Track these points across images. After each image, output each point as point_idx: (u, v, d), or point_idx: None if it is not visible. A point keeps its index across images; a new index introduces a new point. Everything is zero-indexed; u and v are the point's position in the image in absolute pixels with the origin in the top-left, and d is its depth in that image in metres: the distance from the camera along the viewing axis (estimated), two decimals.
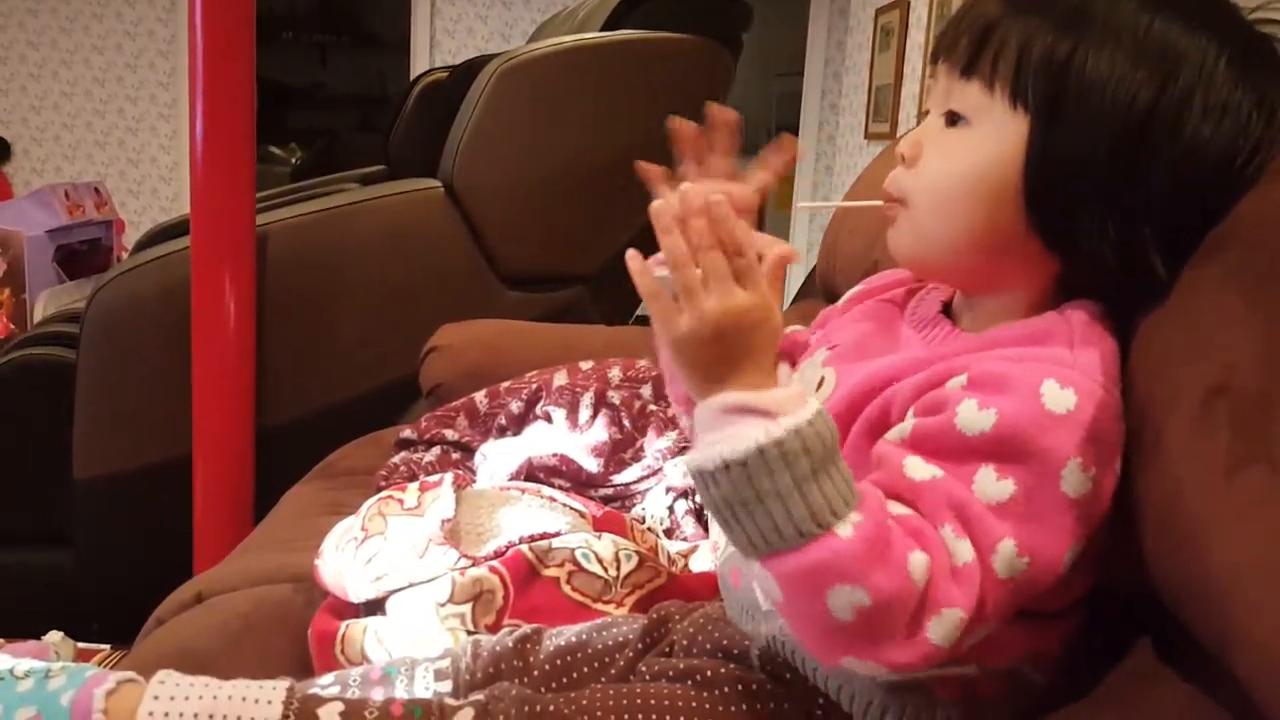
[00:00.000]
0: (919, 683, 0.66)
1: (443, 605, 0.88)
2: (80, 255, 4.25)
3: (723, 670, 0.72)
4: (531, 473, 1.25)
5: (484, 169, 1.97)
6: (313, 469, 1.49)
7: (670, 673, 0.73)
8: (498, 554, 0.93)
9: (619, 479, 1.26)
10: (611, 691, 0.71)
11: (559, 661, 0.78)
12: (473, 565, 0.92)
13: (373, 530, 0.99)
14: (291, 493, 1.44)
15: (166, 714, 0.67)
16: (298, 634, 0.94)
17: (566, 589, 0.90)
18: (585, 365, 1.43)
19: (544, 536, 0.95)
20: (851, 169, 4.62)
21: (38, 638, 1.61)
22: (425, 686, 0.77)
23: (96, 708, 0.67)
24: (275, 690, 0.69)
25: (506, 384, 1.44)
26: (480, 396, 1.44)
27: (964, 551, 0.58)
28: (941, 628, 0.57)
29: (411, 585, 0.91)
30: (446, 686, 0.77)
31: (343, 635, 0.88)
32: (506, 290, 1.99)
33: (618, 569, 0.92)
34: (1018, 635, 0.64)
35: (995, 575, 0.58)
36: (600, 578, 0.91)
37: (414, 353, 1.62)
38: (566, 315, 2.00)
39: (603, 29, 2.12)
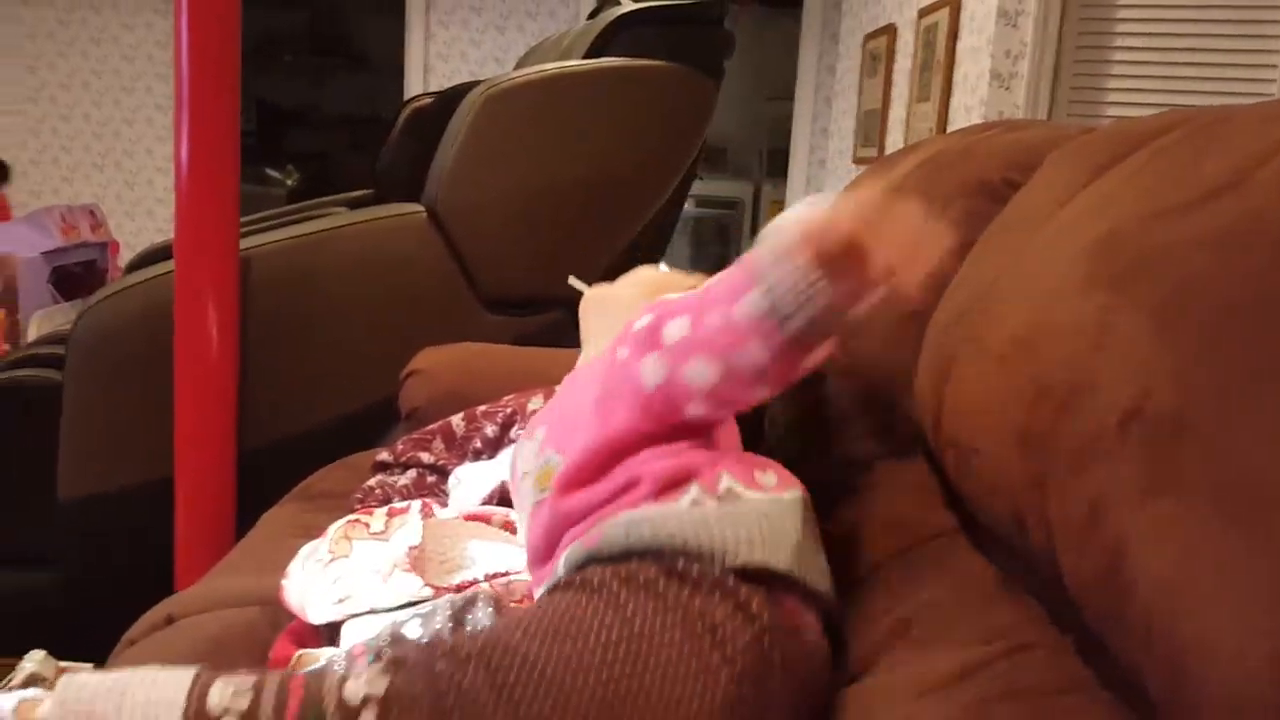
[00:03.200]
0: None
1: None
2: (76, 277, 4.27)
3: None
4: (505, 496, 1.27)
5: (467, 193, 1.99)
6: (290, 491, 1.51)
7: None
8: (461, 588, 0.95)
9: None
10: (518, 623, 0.70)
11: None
12: (435, 595, 0.93)
13: (338, 553, 1.01)
14: (269, 515, 1.45)
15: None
16: (263, 658, 0.96)
17: None
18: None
19: (507, 574, 0.96)
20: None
21: (20, 656, 1.61)
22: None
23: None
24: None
25: (483, 408, 1.45)
26: (457, 420, 1.45)
27: None
28: None
29: (373, 611, 0.92)
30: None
31: (294, 663, 0.90)
32: (487, 313, 2.00)
33: None
34: None
35: None
36: None
37: (394, 376, 1.64)
38: (546, 338, 2.02)
39: (586, 56, 2.15)
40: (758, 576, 0.72)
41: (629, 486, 0.79)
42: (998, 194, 0.96)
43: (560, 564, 0.79)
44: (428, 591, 0.94)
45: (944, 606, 0.76)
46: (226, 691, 0.65)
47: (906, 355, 1.00)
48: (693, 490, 0.77)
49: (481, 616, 0.82)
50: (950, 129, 3.21)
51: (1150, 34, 2.87)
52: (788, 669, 0.70)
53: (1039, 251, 0.77)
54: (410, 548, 1.01)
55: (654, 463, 0.80)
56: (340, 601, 0.94)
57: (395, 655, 0.68)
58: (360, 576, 0.96)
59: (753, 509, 0.76)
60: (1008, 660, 0.68)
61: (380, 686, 0.64)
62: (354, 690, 0.64)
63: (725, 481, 0.78)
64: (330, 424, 1.89)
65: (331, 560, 0.99)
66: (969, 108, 3.11)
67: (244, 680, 0.66)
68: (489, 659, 0.66)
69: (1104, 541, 0.58)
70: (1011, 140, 1.04)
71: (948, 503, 0.88)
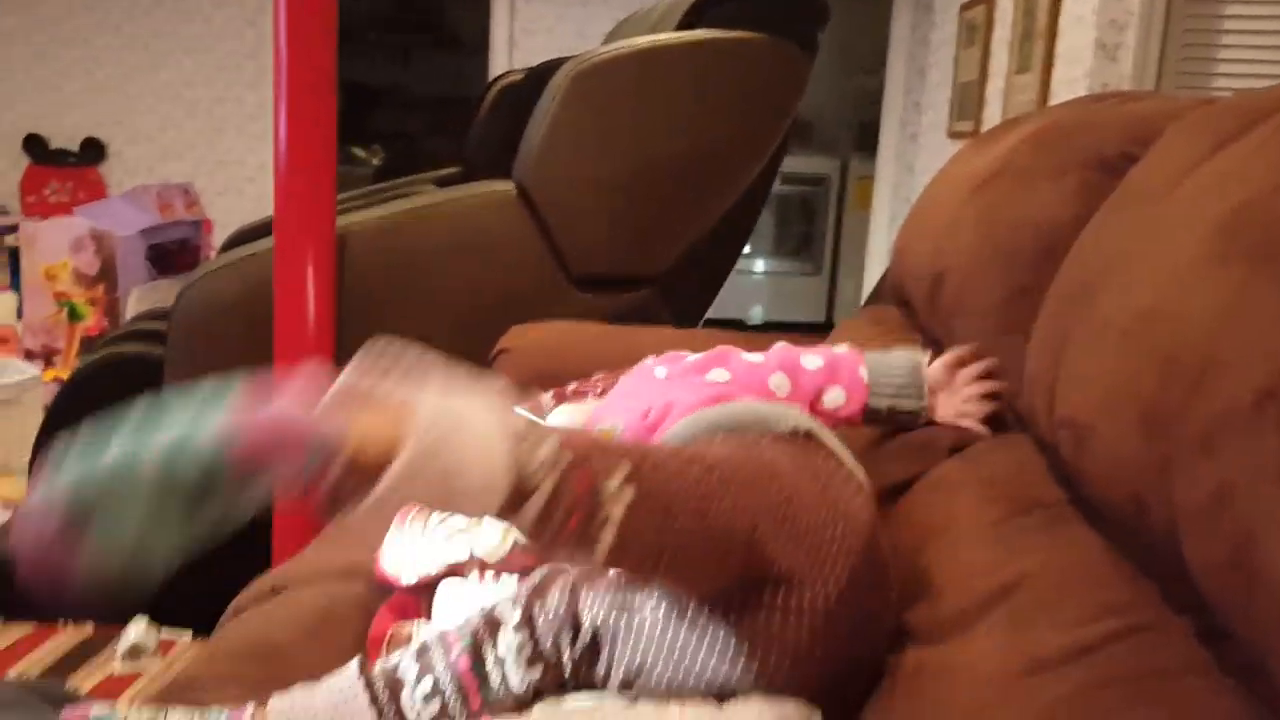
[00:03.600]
0: None
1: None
2: (170, 254, 4.37)
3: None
4: None
5: (557, 171, 1.99)
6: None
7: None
8: None
9: None
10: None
11: None
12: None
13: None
14: None
15: None
16: (363, 632, 0.98)
17: None
18: None
19: None
20: (934, 168, 4.56)
21: (124, 623, 1.66)
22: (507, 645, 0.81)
23: None
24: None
25: (573, 385, 1.46)
26: (546, 397, 1.46)
27: None
28: None
29: (473, 558, 0.94)
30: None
31: (389, 638, 0.92)
32: (576, 291, 2.01)
33: None
34: None
35: None
36: None
37: (484, 353, 1.65)
38: (636, 316, 2.02)
39: (677, 29, 2.13)
40: None
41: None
42: (1114, 167, 0.93)
43: (681, 426, 0.90)
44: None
45: (1052, 577, 0.75)
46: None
47: (1013, 333, 0.98)
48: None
49: (559, 591, 0.82)
50: (1052, 102, 3.12)
51: (1263, 1, 2.76)
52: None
53: (1163, 225, 0.74)
54: None
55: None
56: (443, 546, 0.96)
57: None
58: (466, 523, 0.98)
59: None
60: (1122, 642, 0.66)
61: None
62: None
63: None
64: None
65: (441, 521, 1.02)
66: (1072, 80, 3.02)
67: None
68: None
69: (1232, 526, 0.56)
70: (1128, 112, 1.00)
71: (1057, 480, 0.86)
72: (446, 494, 0.64)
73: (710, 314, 2.71)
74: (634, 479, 0.68)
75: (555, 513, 0.65)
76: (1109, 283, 0.75)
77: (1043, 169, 1.02)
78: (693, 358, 1.08)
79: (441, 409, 0.65)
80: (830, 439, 0.91)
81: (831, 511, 0.78)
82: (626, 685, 0.79)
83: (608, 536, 0.67)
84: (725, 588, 0.75)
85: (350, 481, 0.62)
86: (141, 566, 0.59)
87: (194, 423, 0.61)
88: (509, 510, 0.65)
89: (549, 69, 2.16)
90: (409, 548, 1.01)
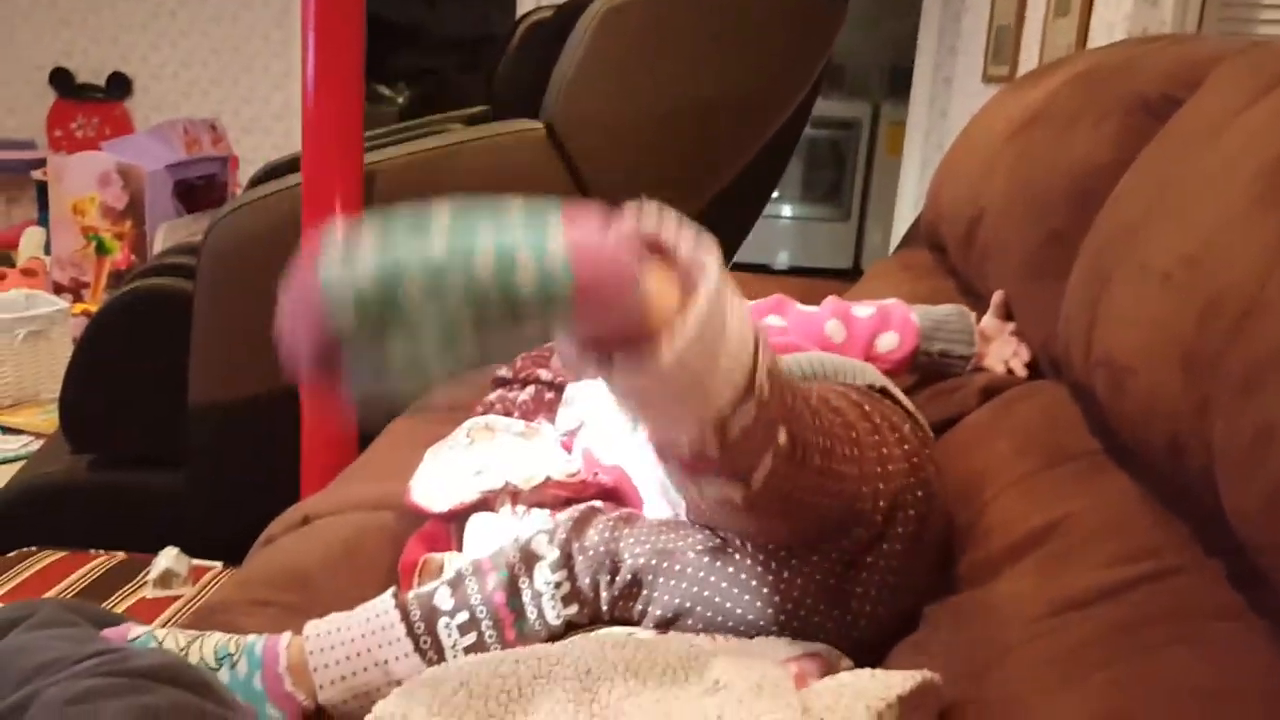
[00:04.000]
0: None
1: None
2: (197, 190, 4.38)
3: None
4: None
5: (586, 109, 1.98)
6: (413, 403, 1.53)
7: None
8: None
9: None
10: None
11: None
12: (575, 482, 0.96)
13: (478, 438, 1.04)
14: (392, 426, 1.48)
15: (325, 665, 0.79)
16: (392, 561, 0.99)
17: None
18: None
19: None
20: (968, 113, 4.49)
21: (155, 553, 1.69)
22: (545, 581, 0.82)
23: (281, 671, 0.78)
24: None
25: None
26: None
27: None
28: None
29: (507, 484, 0.95)
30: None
31: (420, 567, 0.93)
32: None
33: None
34: None
35: None
36: None
37: None
38: None
39: None
40: None
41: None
42: (1157, 110, 0.92)
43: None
44: (572, 466, 0.96)
45: (1085, 523, 0.75)
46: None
47: (1047, 278, 0.97)
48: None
49: (597, 532, 0.83)
50: (1090, 46, 3.07)
51: None
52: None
53: (1207, 169, 0.73)
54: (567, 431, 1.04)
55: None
56: (478, 474, 0.97)
57: None
58: (502, 453, 0.99)
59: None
60: (1154, 583, 0.66)
61: None
62: None
63: None
64: None
65: (472, 444, 1.02)
66: (1111, 24, 2.96)
67: None
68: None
69: (1272, 469, 0.56)
70: (1174, 55, 0.98)
71: (1090, 428, 0.85)
72: (699, 376, 0.57)
73: (740, 257, 2.70)
74: (787, 421, 0.64)
75: (738, 438, 0.60)
76: (1152, 226, 0.75)
77: (1084, 112, 1.01)
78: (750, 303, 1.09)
79: (722, 285, 0.57)
80: (901, 396, 0.92)
81: (914, 477, 0.79)
82: (662, 625, 0.80)
83: (760, 475, 0.63)
84: (805, 540, 0.76)
85: (620, 336, 0.56)
86: (416, 379, 0.53)
87: (533, 234, 0.53)
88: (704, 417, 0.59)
89: (579, 6, 2.14)
90: (441, 477, 1.02)
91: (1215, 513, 0.62)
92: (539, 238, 0.53)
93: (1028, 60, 3.73)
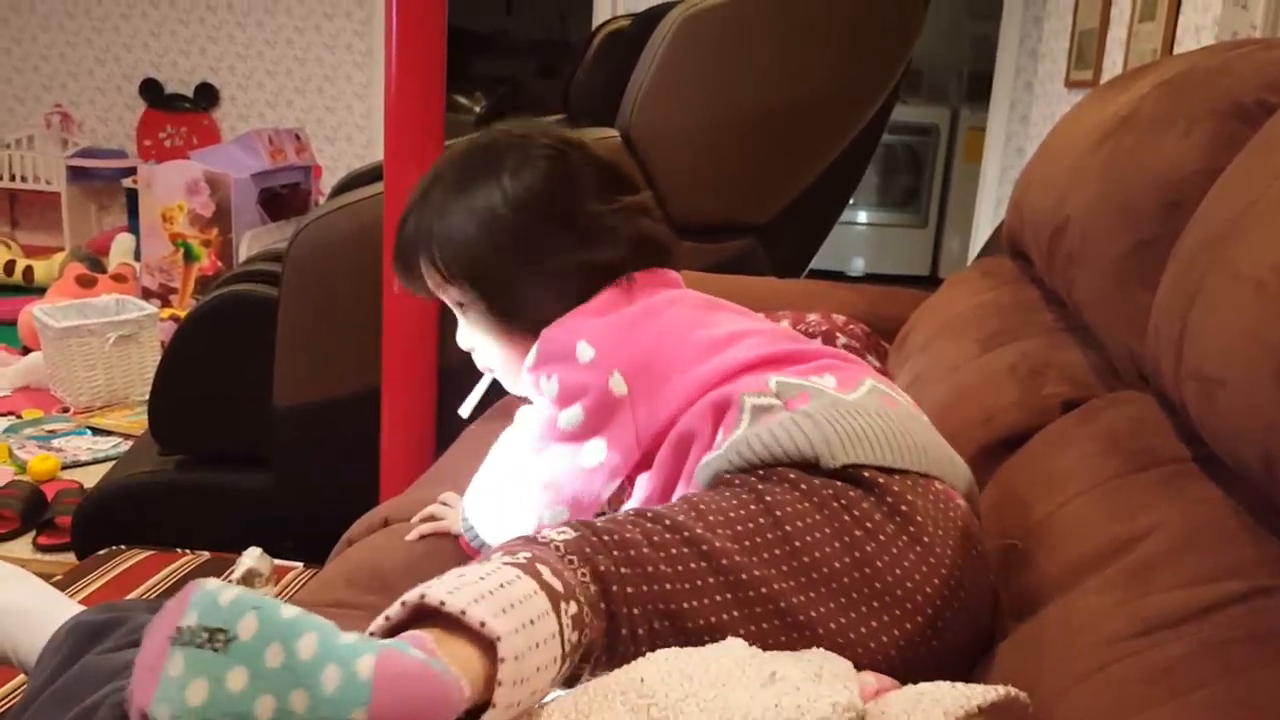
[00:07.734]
0: None
1: None
2: (281, 198, 4.48)
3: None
4: None
5: (662, 117, 1.98)
6: (489, 409, 1.55)
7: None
8: None
9: None
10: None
11: None
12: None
13: None
14: (469, 431, 1.50)
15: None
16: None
17: None
18: None
19: None
20: (1049, 118, 4.42)
21: (239, 553, 1.72)
22: None
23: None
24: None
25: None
26: None
27: None
28: None
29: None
30: None
31: None
32: (679, 239, 2.00)
33: None
34: None
35: None
36: None
37: None
38: (738, 265, 2.01)
39: None
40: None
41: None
42: (1251, 116, 0.89)
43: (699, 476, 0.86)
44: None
45: (1172, 534, 0.73)
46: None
47: (1135, 287, 0.95)
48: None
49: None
50: (1177, 50, 3.00)
51: None
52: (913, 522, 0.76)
53: None
54: None
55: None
56: None
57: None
58: None
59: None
60: (1245, 603, 0.64)
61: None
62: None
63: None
64: None
65: None
66: (1200, 28, 2.90)
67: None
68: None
69: None
70: (1266, 59, 0.96)
71: (1179, 436, 0.83)
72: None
73: (814, 264, 2.69)
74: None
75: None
76: (1244, 233, 0.73)
77: (1173, 118, 0.99)
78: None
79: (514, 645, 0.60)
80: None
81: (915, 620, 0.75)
82: None
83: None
84: None
85: None
86: None
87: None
88: None
89: (655, 15, 2.15)
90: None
91: None
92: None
93: (1112, 65, 3.66)
